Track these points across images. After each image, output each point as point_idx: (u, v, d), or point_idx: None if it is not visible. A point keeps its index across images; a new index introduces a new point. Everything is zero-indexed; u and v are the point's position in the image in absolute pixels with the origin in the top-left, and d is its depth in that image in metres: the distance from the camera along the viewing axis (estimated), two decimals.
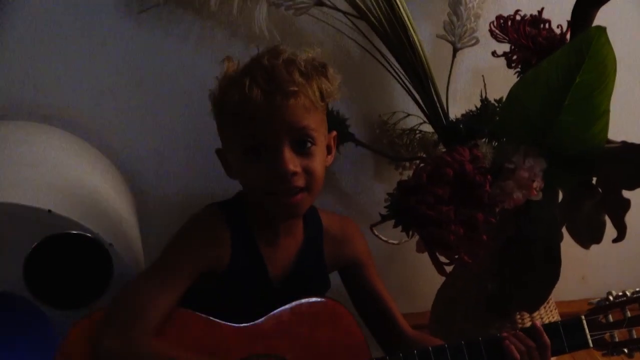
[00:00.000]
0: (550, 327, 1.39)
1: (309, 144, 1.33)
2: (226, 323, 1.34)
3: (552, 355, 1.39)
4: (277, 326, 1.37)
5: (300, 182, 1.32)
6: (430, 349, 1.36)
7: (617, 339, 1.40)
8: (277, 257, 1.42)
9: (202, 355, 1.30)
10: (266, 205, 1.35)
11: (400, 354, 1.35)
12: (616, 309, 1.42)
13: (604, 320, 1.41)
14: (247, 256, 1.38)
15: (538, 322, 1.40)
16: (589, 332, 1.40)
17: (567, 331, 1.39)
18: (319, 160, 1.35)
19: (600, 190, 1.61)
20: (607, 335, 1.41)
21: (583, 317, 1.40)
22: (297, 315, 1.38)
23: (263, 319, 1.36)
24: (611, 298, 1.42)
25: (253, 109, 1.29)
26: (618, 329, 1.41)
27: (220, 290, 1.37)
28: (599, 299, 1.43)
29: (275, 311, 1.37)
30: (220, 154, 1.41)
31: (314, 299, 1.41)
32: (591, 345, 1.40)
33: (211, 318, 1.34)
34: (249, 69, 1.34)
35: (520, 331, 1.39)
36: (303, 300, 1.40)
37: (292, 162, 1.30)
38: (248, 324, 1.35)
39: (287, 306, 1.38)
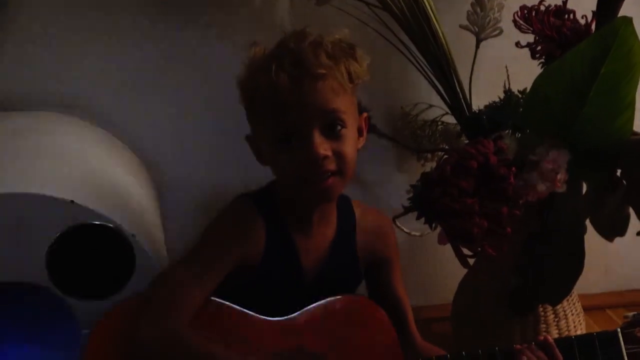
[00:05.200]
0: (585, 339, 1.38)
1: (339, 127, 1.31)
2: (260, 316, 1.34)
3: None
4: (311, 322, 1.36)
5: (331, 166, 1.30)
6: (433, 358, 1.37)
7: None
8: (310, 247, 1.41)
9: (238, 354, 1.29)
10: (299, 192, 1.34)
11: None
12: None
13: (639, 334, 1.40)
14: (281, 247, 1.38)
15: (550, 337, 1.38)
16: (624, 345, 1.39)
17: (602, 344, 1.38)
18: (350, 143, 1.33)
19: (624, 182, 1.60)
20: None
21: (619, 330, 1.39)
22: (331, 312, 1.38)
23: (297, 313, 1.36)
24: None
25: (281, 94, 1.27)
26: None
27: (253, 282, 1.36)
28: (634, 313, 1.42)
29: (309, 307, 1.37)
30: (251, 141, 1.40)
31: (348, 296, 1.41)
32: (626, 359, 1.39)
33: (245, 310, 1.33)
34: (275, 53, 1.33)
35: (534, 344, 1.38)
36: (337, 297, 1.39)
37: (323, 147, 1.28)
38: (282, 318, 1.35)
39: (321, 302, 1.38)
